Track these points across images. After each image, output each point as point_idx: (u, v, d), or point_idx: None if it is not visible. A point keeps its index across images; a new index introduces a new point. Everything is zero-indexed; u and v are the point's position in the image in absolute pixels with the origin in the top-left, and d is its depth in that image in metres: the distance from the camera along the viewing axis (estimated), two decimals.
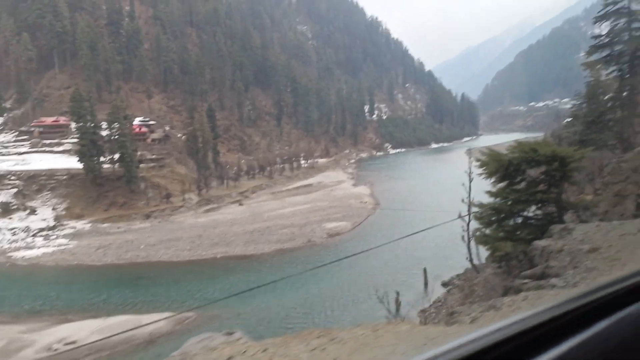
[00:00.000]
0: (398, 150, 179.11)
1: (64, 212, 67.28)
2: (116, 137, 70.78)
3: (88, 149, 69.20)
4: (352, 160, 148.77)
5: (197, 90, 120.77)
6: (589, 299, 1.53)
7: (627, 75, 40.66)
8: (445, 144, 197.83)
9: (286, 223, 64.80)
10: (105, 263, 51.46)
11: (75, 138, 74.27)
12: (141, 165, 79.01)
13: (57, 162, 77.17)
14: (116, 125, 69.86)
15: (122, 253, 53.84)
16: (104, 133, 73.69)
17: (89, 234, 63.22)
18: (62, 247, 57.94)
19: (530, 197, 15.31)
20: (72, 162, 73.47)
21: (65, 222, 65.79)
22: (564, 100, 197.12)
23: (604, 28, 43.39)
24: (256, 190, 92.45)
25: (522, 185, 16.09)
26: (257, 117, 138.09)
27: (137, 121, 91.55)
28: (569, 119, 54.31)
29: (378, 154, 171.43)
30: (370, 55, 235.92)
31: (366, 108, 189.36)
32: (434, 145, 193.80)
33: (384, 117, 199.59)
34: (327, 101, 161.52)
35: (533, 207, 16.60)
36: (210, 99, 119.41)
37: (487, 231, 16.55)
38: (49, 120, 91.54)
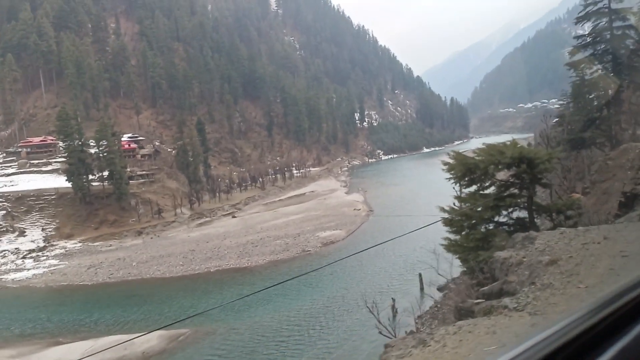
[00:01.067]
0: (390, 156, 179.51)
1: (53, 233, 66.36)
2: (105, 154, 70.17)
3: (76, 167, 68.51)
4: (345, 168, 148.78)
5: (186, 105, 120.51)
6: (622, 301, 1.43)
7: (612, 74, 40.96)
8: (437, 148, 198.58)
9: (280, 234, 64.32)
10: (97, 282, 50.61)
11: (63, 157, 73.55)
12: (131, 182, 78.36)
13: (45, 182, 76.33)
14: (104, 142, 69.28)
15: (113, 271, 53.04)
16: (93, 151, 73.17)
17: (79, 253, 62.32)
18: (53, 268, 57.00)
19: (499, 202, 14.39)
20: (61, 182, 72.72)
21: (55, 243, 64.87)
22: (552, 101, 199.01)
23: (586, 28, 43.89)
24: (249, 202, 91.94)
25: (492, 189, 15.24)
26: (247, 129, 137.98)
27: (125, 137, 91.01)
28: (557, 119, 54.67)
29: (370, 160, 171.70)
30: (358, 64, 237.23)
31: (356, 115, 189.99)
32: (425, 150, 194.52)
33: (375, 124, 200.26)
34: (317, 110, 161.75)
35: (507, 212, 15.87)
36: (200, 113, 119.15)
37: (457, 238, 15.41)
38: (36, 140, 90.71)
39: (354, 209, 77.81)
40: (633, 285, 1.54)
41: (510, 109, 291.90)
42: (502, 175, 16.47)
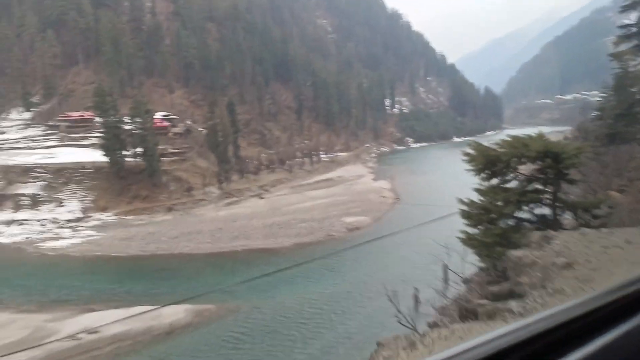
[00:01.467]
0: (420, 144, 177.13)
1: (90, 205, 68.92)
2: (138, 131, 71.94)
3: (112, 142, 70.61)
4: (373, 155, 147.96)
5: (218, 85, 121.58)
6: (615, 296, 1.45)
7: None
8: (468, 138, 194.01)
9: (305, 217, 64.94)
10: (129, 254, 52.53)
11: (99, 132, 75.80)
12: (163, 159, 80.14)
13: (82, 156, 78.94)
14: (138, 119, 70.98)
15: (144, 245, 54.88)
16: (127, 127, 75.09)
17: (114, 225, 64.63)
18: (89, 238, 59.45)
19: (521, 197, 13.76)
20: (97, 156, 75.03)
21: (91, 214, 67.42)
22: (592, 93, 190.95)
23: (632, 17, 41.84)
24: (276, 184, 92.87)
25: (514, 183, 14.57)
26: (277, 111, 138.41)
27: (158, 116, 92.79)
28: (597, 112, 52.66)
29: (399, 148, 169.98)
30: (390, 49, 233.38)
31: (387, 102, 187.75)
32: (456, 139, 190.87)
33: (406, 111, 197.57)
34: (348, 95, 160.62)
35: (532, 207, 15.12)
36: (231, 94, 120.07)
37: (476, 232, 14.63)
38: (74, 114, 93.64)
39: (381, 196, 77.66)
40: (627, 282, 1.52)
41: (548, 100, 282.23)
42: (525, 169, 15.86)
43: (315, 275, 42.86)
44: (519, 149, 13.67)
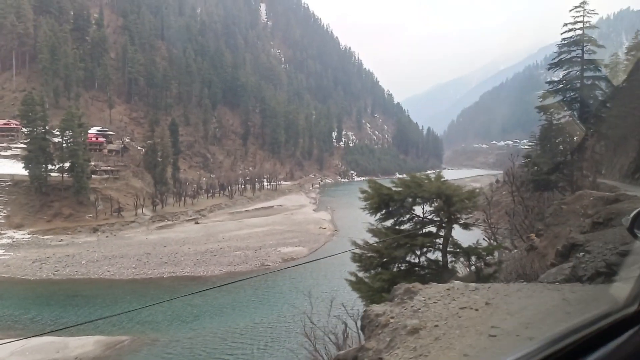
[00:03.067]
0: (363, 178, 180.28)
1: (2, 221, 62.97)
2: (68, 145, 67.53)
3: (36, 155, 65.58)
4: (317, 185, 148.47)
5: (162, 104, 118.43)
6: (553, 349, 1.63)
7: (578, 121, 42.17)
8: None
9: (241, 245, 62.94)
10: (40, 278, 48.02)
11: (24, 143, 70.42)
12: (94, 176, 75.68)
13: (2, 167, 72.77)
14: (69, 132, 66.74)
15: (60, 268, 50.48)
16: (57, 140, 70.36)
17: (27, 245, 59.22)
18: None
19: (412, 241, 12.56)
20: (18, 168, 69.41)
21: (2, 231, 61.48)
22: (523, 141, 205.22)
23: (558, 75, 45.25)
24: (214, 210, 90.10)
25: (409, 225, 13.65)
26: (222, 136, 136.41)
27: (94, 130, 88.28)
28: (524, 160, 55.87)
29: (343, 180, 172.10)
30: (340, 84, 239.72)
31: (334, 134, 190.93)
32: (398, 176, 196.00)
33: (351, 145, 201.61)
34: (296, 125, 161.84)
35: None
36: (175, 114, 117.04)
37: (366, 275, 13.42)
38: None
39: (320, 227, 77.16)
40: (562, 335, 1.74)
41: (484, 145, 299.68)
42: (423, 210, 14.80)
43: (243, 306, 41.05)
44: (413, 188, 12.91)
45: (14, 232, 61.60)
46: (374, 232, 14.10)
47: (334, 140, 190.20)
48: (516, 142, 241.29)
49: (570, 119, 42.03)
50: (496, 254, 18.88)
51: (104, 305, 40.84)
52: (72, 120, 67.58)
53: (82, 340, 33.14)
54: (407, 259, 13.24)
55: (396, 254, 12.47)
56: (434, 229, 13.58)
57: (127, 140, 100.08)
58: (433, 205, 13.38)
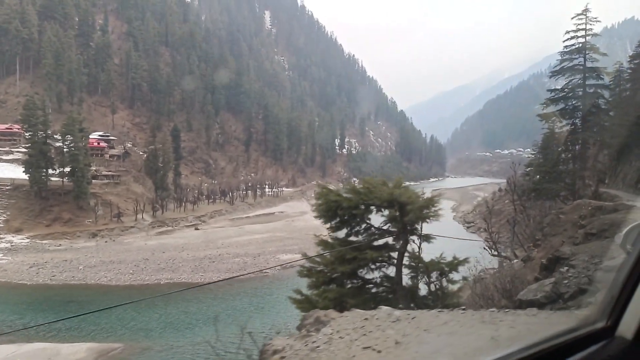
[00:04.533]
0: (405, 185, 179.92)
1: (1, 225, 62.83)
2: (69, 149, 67.51)
3: (36, 159, 65.54)
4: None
5: (165, 110, 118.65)
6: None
7: (580, 130, 41.66)
8: (413, 183, 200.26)
9: (240, 252, 62.47)
10: (36, 283, 47.67)
11: (26, 147, 70.46)
12: (95, 181, 75.59)
13: (3, 171, 72.83)
14: (70, 137, 66.73)
15: (56, 273, 50.15)
16: (58, 145, 70.39)
17: (25, 249, 58.98)
18: None
19: (359, 254, 10.96)
20: (19, 173, 69.42)
21: (1, 236, 61.32)
22: (526, 150, 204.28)
23: (560, 82, 44.80)
24: (215, 216, 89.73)
25: (364, 236, 12.09)
26: (225, 142, 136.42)
27: (96, 135, 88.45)
28: (526, 168, 55.30)
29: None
30: (344, 91, 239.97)
31: (337, 141, 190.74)
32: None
33: (354, 152, 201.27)
34: (298, 132, 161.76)
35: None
36: (178, 120, 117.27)
37: (313, 293, 11.81)
38: (1, 127, 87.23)
39: (321, 234, 76.56)
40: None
41: (488, 154, 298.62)
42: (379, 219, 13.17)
43: (246, 314, 40.53)
44: (363, 195, 11.27)
45: (13, 237, 61.43)
46: (322, 243, 12.36)
47: (337, 147, 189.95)
48: (520, 150, 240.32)
49: (572, 127, 41.55)
50: (485, 268, 18.13)
51: (98, 312, 40.37)
52: (73, 125, 67.62)
53: (74, 347, 32.72)
54: (362, 274, 11.60)
55: (342, 269, 10.82)
56: (392, 241, 11.96)
57: (129, 145, 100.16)
58: (384, 214, 11.82)
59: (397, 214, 11.38)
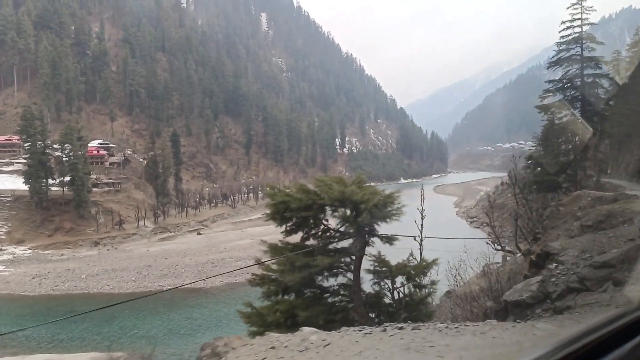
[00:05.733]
0: (367, 184, 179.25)
1: (3, 237, 62.78)
2: (68, 158, 67.43)
3: (36, 169, 65.49)
4: None
5: (164, 116, 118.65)
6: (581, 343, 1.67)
7: (579, 120, 41.22)
8: (414, 180, 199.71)
9: (243, 255, 62.14)
10: (39, 294, 47.53)
11: (25, 158, 70.44)
12: (95, 189, 75.52)
13: (3, 183, 72.86)
14: (68, 146, 66.66)
15: (59, 283, 49.99)
16: (57, 154, 70.34)
17: (28, 260, 58.86)
18: None
19: (310, 261, 9.53)
20: (19, 184, 69.39)
21: (3, 247, 61.27)
22: (528, 143, 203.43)
23: (558, 73, 44.34)
24: (217, 220, 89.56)
25: (321, 240, 10.75)
26: (225, 145, 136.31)
27: (95, 143, 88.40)
28: (527, 161, 54.86)
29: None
30: (343, 90, 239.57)
31: (337, 141, 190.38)
32: (402, 181, 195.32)
33: (355, 151, 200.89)
34: (298, 132, 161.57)
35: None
36: (177, 125, 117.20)
37: (264, 305, 10.43)
38: (0, 138, 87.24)
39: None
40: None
41: (489, 148, 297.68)
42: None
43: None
44: (312, 194, 9.95)
45: (15, 248, 61.36)
46: (272, 248, 10.88)
47: (338, 147, 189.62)
48: (522, 143, 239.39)
49: (572, 117, 41.11)
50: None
51: (101, 321, 40.20)
52: (71, 134, 67.56)
53: (77, 357, 32.53)
54: (320, 282, 10.23)
55: (290, 278, 9.48)
56: (351, 244, 10.50)
57: (128, 152, 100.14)
58: (335, 215, 10.41)
59: (351, 214, 9.99)
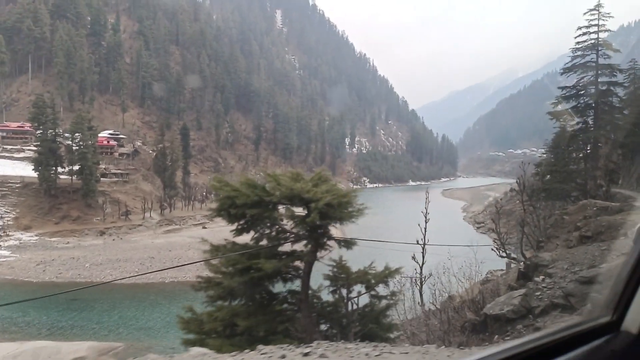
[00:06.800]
0: (375, 185, 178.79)
1: (11, 222, 63.40)
2: (78, 147, 67.91)
3: (45, 157, 66.04)
4: None
5: (175, 109, 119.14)
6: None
7: (592, 128, 40.50)
8: (423, 183, 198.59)
9: None
10: (43, 280, 47.92)
11: (35, 146, 71.11)
12: (103, 179, 76.00)
13: (14, 169, 73.57)
14: (78, 135, 67.14)
15: (63, 271, 50.35)
16: (68, 143, 70.88)
17: (33, 247, 59.41)
18: (1, 260, 54.06)
19: (253, 264, 8.42)
20: (29, 170, 70.04)
21: (11, 233, 61.87)
22: (540, 150, 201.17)
23: (572, 80, 43.56)
24: None
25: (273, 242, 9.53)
26: (234, 140, 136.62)
27: (105, 134, 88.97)
28: (536, 168, 54.10)
29: (355, 187, 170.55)
30: (355, 90, 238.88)
31: (347, 140, 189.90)
32: (411, 183, 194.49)
33: (364, 151, 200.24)
34: (308, 130, 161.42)
35: None
36: (188, 119, 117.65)
37: (206, 312, 9.29)
38: (13, 125, 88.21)
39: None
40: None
41: (500, 153, 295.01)
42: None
43: None
44: (259, 190, 8.71)
45: (22, 234, 61.96)
46: (215, 248, 9.58)
47: (347, 147, 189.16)
48: (533, 150, 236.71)
49: (584, 126, 40.40)
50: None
51: (102, 310, 40.42)
52: (82, 123, 68.02)
53: (75, 345, 32.62)
54: (269, 287, 9.10)
55: (228, 283, 8.44)
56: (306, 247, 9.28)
57: (138, 143, 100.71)
58: (282, 214, 9.29)
59: (303, 213, 8.74)
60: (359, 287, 9.29)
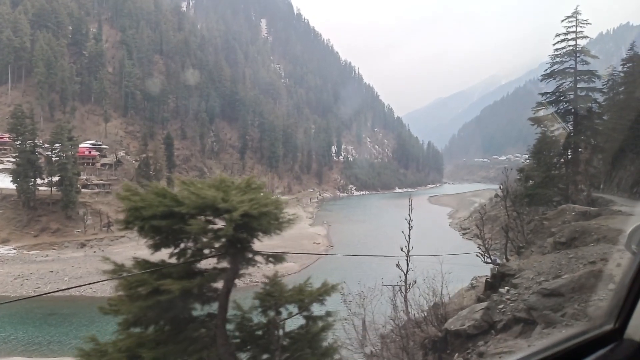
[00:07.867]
0: (362, 192, 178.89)
1: None
2: (58, 158, 66.62)
3: (24, 169, 64.62)
4: (315, 200, 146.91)
5: (159, 118, 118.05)
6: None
7: (572, 133, 40.90)
8: (410, 190, 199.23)
9: None
10: (20, 295, 46.49)
11: (14, 157, 69.62)
12: (85, 190, 74.64)
13: None
14: (58, 146, 65.88)
15: (41, 285, 49.04)
16: (48, 154, 69.52)
17: (11, 260, 57.86)
18: None
19: (159, 286, 6.73)
20: (7, 182, 68.46)
21: None
22: (524, 155, 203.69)
23: (552, 86, 44.06)
24: None
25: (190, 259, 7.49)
26: (220, 149, 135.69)
27: (87, 144, 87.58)
28: (521, 173, 54.42)
29: (342, 194, 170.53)
30: (340, 98, 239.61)
31: (333, 149, 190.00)
32: (398, 190, 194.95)
33: (351, 159, 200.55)
34: (294, 139, 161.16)
35: None
36: (172, 128, 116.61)
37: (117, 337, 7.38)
38: None
39: (314, 242, 75.55)
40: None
41: (485, 159, 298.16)
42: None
43: None
44: (168, 199, 6.90)
45: (0, 247, 60.34)
46: (117, 269, 6.89)
47: (334, 155, 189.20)
48: (517, 156, 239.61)
49: (564, 131, 40.81)
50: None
51: (80, 325, 39.31)
52: (61, 133, 66.82)
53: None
54: (186, 312, 7.35)
55: (127, 308, 7.01)
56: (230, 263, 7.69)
57: (121, 153, 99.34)
58: (189, 226, 7.44)
59: (212, 226, 7.14)
60: (292, 308, 7.64)
